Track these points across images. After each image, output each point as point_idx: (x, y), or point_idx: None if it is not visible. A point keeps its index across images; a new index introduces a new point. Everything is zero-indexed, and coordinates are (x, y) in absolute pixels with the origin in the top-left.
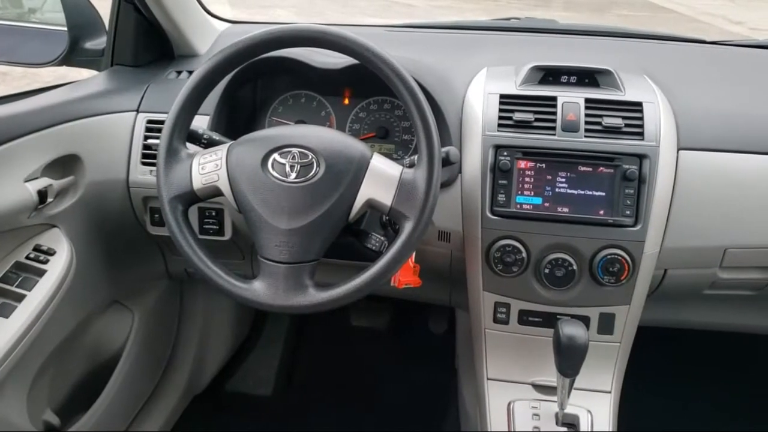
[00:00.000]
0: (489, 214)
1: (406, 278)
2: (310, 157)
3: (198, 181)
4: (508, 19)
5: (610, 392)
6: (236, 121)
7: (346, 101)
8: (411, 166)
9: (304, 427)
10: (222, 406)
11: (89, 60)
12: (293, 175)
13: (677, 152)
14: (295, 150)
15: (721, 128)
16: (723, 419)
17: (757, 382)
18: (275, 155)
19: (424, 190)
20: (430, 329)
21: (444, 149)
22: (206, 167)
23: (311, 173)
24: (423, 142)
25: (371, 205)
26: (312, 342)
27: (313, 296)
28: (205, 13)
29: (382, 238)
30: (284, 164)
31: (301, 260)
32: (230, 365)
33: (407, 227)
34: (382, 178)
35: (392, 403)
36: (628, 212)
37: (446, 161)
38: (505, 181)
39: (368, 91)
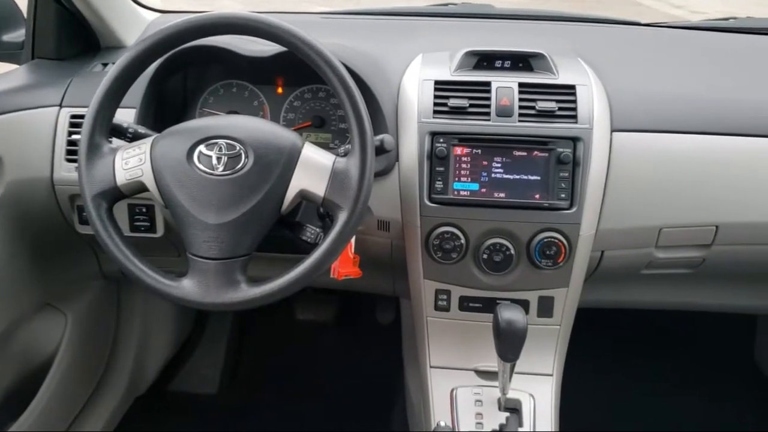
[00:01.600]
0: (427, 202)
1: (346, 269)
2: (238, 148)
3: (121, 177)
4: (446, 4)
5: (551, 375)
6: (165, 113)
7: (280, 90)
8: (345, 155)
9: (250, 424)
10: (166, 406)
11: (8, 54)
12: (220, 167)
13: (610, 134)
14: (221, 141)
15: (654, 109)
16: (666, 395)
17: (698, 358)
18: (201, 147)
19: (358, 179)
20: (378, 320)
21: (378, 137)
22: (130, 162)
23: (239, 165)
24: (355, 130)
25: (304, 196)
26: (257, 338)
27: (246, 292)
28: (131, 2)
29: (317, 229)
30: (211, 156)
31: (232, 255)
32: (173, 364)
33: (341, 217)
34: (314, 168)
35: (340, 396)
36: (563, 195)
37: (381, 149)
38: (442, 168)
39: (302, 80)
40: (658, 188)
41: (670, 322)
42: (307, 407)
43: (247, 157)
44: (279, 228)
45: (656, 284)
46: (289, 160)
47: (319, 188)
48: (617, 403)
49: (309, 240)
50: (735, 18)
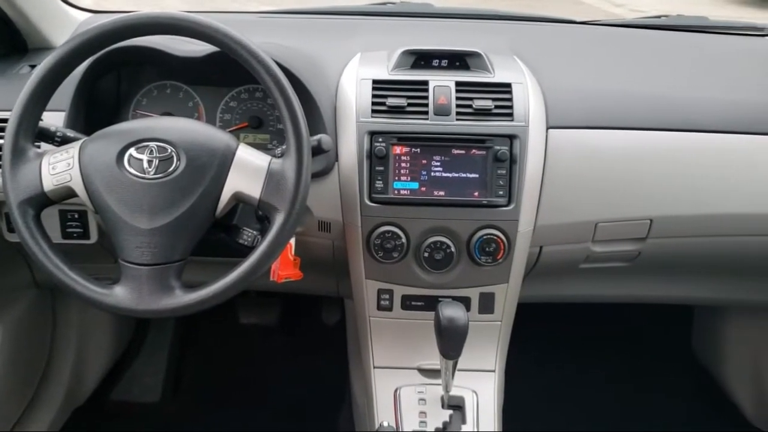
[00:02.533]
0: (368, 202)
1: (286, 272)
2: (170, 150)
3: (49, 182)
4: (384, 3)
5: (494, 371)
6: (97, 116)
7: (215, 91)
8: (281, 155)
9: (196, 431)
10: (108, 416)
11: None
12: (152, 170)
13: (546, 131)
14: (152, 144)
15: (589, 106)
16: (607, 387)
17: (638, 349)
18: (131, 150)
19: (294, 180)
20: (323, 320)
21: (316, 137)
22: (57, 167)
23: (171, 168)
24: (290, 131)
25: (239, 199)
26: (200, 343)
27: (180, 298)
28: (59, 2)
29: (254, 232)
30: (141, 160)
31: (166, 261)
32: (114, 374)
33: (278, 219)
34: (249, 170)
35: (286, 399)
36: (501, 192)
37: (319, 149)
38: (381, 168)
39: (238, 80)
40: (594, 184)
41: (611, 315)
42: (253, 411)
43: (179, 159)
44: (215, 231)
45: (595, 278)
46: (223, 162)
47: (254, 190)
48: (560, 397)
49: (246, 243)
50: (667, 16)
